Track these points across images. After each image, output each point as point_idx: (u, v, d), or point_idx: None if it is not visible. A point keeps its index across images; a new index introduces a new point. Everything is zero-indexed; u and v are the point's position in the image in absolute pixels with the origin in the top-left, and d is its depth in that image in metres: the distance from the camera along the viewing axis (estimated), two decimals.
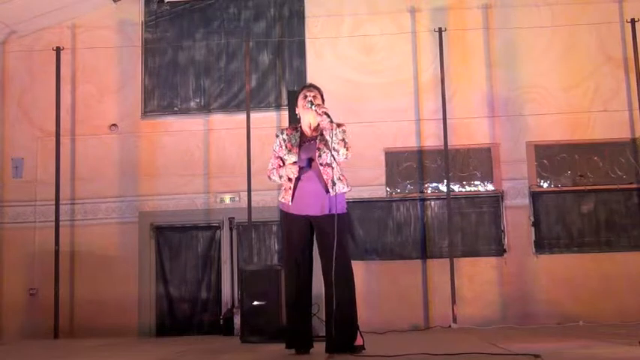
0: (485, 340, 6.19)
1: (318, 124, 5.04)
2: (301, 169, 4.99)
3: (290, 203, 5.04)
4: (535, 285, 9.23)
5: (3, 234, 9.71)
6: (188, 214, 9.67)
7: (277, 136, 5.20)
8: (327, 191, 4.95)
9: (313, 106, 4.97)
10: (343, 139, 4.93)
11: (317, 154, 4.99)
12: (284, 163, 5.10)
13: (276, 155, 5.12)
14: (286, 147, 5.09)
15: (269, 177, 5.20)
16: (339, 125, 4.98)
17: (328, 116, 4.90)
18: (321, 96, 5.22)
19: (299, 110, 5.18)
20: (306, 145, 5.08)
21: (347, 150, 4.95)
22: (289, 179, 4.99)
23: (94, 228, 9.64)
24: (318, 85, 5.31)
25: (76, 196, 9.68)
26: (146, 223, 9.70)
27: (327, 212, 4.94)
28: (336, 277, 4.87)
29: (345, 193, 5.07)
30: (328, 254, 4.86)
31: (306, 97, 5.10)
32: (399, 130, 9.64)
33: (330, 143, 4.87)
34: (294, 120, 5.59)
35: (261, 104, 9.86)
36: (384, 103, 9.65)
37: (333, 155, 4.90)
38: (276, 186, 5.27)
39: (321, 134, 5.02)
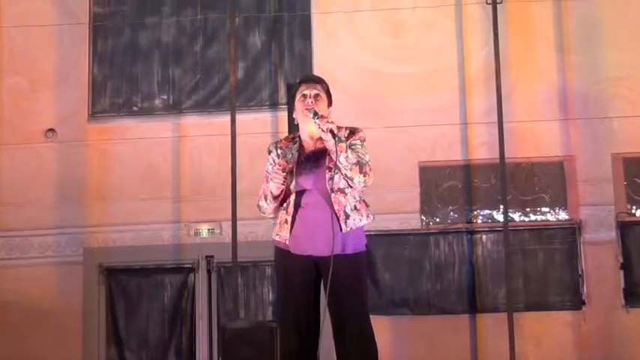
0: None
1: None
2: (299, 193, 4.51)
3: (287, 241, 4.51)
4: (625, 348, 8.46)
5: None
6: (151, 252, 8.98)
7: (270, 152, 4.74)
8: (340, 225, 4.48)
9: (316, 118, 4.48)
10: (357, 162, 4.45)
11: (328, 175, 4.53)
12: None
13: (269, 178, 4.71)
14: (280, 165, 4.68)
15: (258, 206, 4.68)
16: (352, 132, 4.54)
17: (334, 136, 4.41)
18: (327, 93, 4.64)
19: (297, 114, 4.67)
20: (306, 161, 4.62)
21: (365, 176, 4.46)
22: (275, 197, 4.52)
23: (23, 270, 8.92)
24: (323, 77, 4.75)
25: None
26: (94, 264, 9.03)
27: (337, 251, 4.41)
28: (351, 336, 4.41)
29: (363, 225, 4.57)
30: (339, 305, 4.40)
31: (305, 97, 4.58)
32: (438, 138, 8.89)
33: (341, 169, 4.48)
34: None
35: (251, 102, 9.17)
36: (417, 101, 8.84)
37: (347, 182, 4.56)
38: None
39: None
